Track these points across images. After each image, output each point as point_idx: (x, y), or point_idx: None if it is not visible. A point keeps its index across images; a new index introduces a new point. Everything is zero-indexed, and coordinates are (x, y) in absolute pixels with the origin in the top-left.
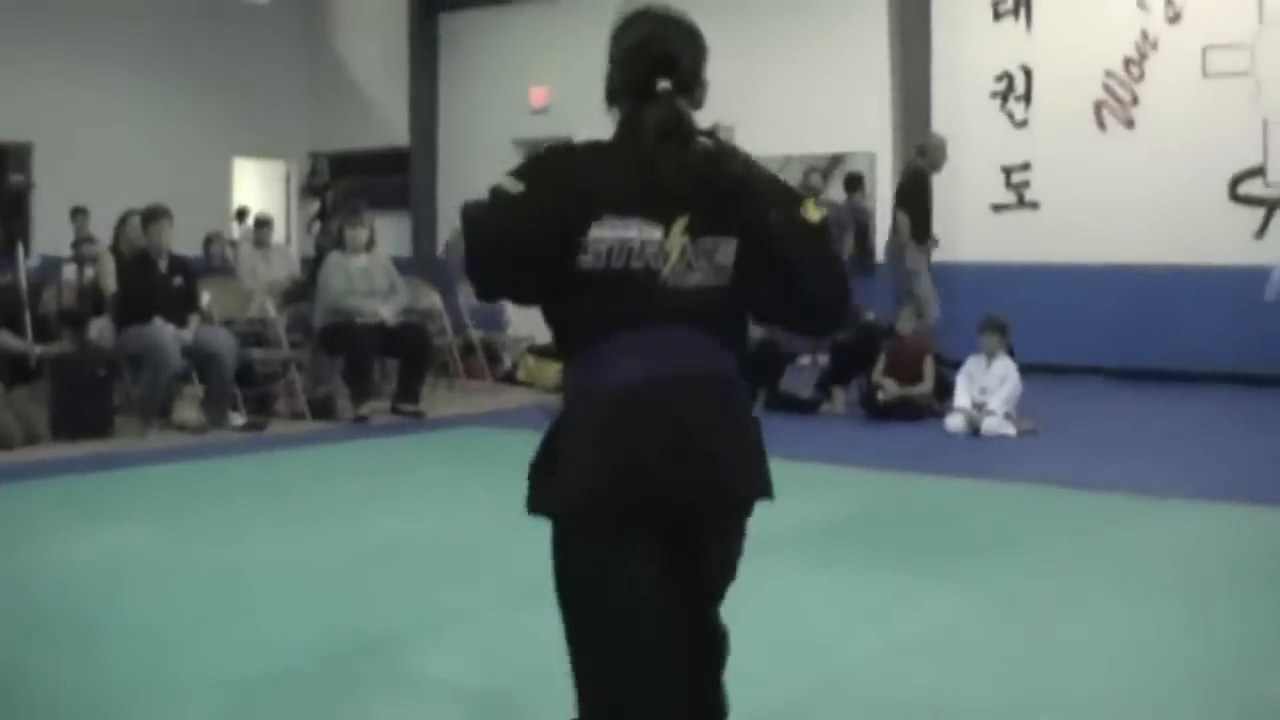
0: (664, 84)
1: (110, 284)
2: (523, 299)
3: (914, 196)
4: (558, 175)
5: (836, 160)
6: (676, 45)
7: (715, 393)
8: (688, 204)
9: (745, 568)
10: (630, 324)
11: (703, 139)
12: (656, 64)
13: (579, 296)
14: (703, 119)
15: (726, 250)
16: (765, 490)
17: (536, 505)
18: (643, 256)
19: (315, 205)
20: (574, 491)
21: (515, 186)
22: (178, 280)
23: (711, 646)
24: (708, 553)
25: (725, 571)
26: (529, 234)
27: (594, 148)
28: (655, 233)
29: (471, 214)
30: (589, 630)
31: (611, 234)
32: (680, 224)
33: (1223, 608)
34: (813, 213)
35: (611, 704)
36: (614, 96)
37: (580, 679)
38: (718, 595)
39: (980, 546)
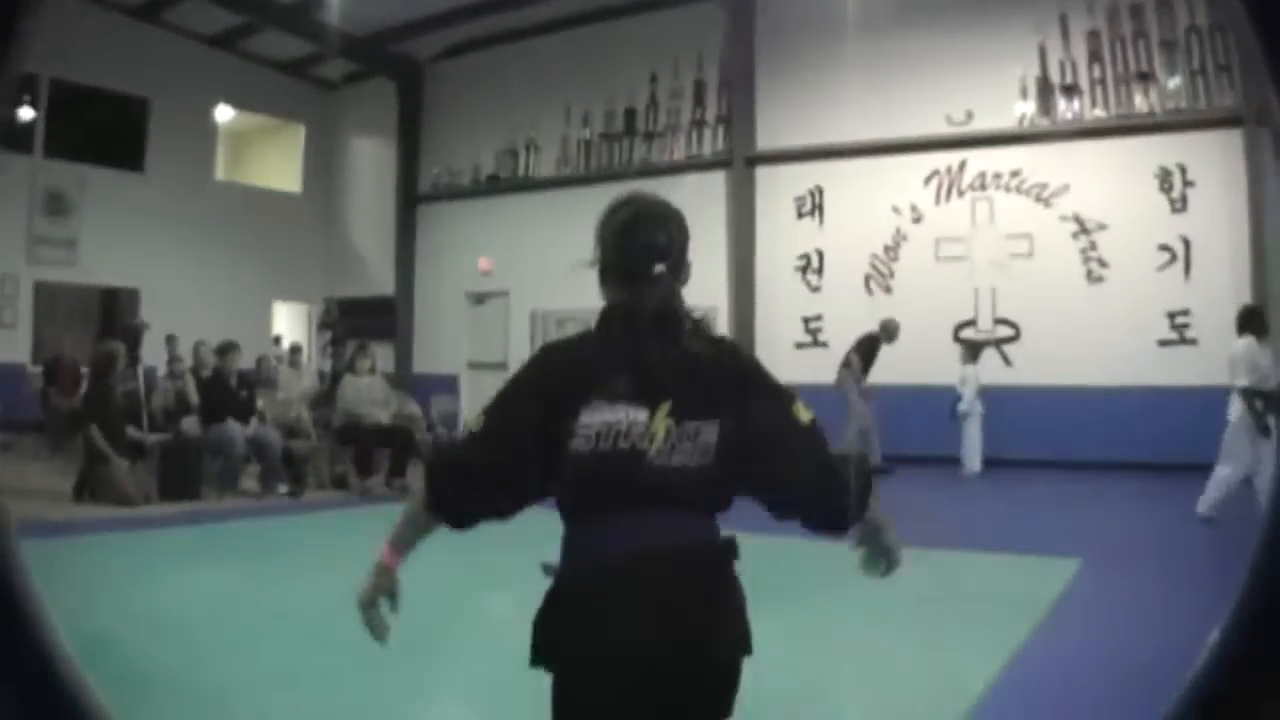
0: (659, 267)
1: (192, 394)
2: (498, 508)
3: (865, 350)
4: (546, 373)
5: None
6: (666, 229)
7: (698, 565)
8: (673, 388)
9: None
10: (619, 503)
11: (689, 325)
12: (649, 249)
13: (572, 477)
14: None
15: (709, 432)
16: (745, 649)
17: (538, 661)
18: (629, 437)
19: (328, 335)
20: (575, 669)
21: (478, 423)
22: (243, 393)
23: None
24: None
25: None
26: (514, 441)
27: (582, 339)
28: (642, 415)
29: (457, 450)
30: None
31: (600, 418)
32: (665, 408)
33: (952, 633)
34: (803, 414)
35: None
36: (605, 276)
37: None
38: None
39: (781, 589)
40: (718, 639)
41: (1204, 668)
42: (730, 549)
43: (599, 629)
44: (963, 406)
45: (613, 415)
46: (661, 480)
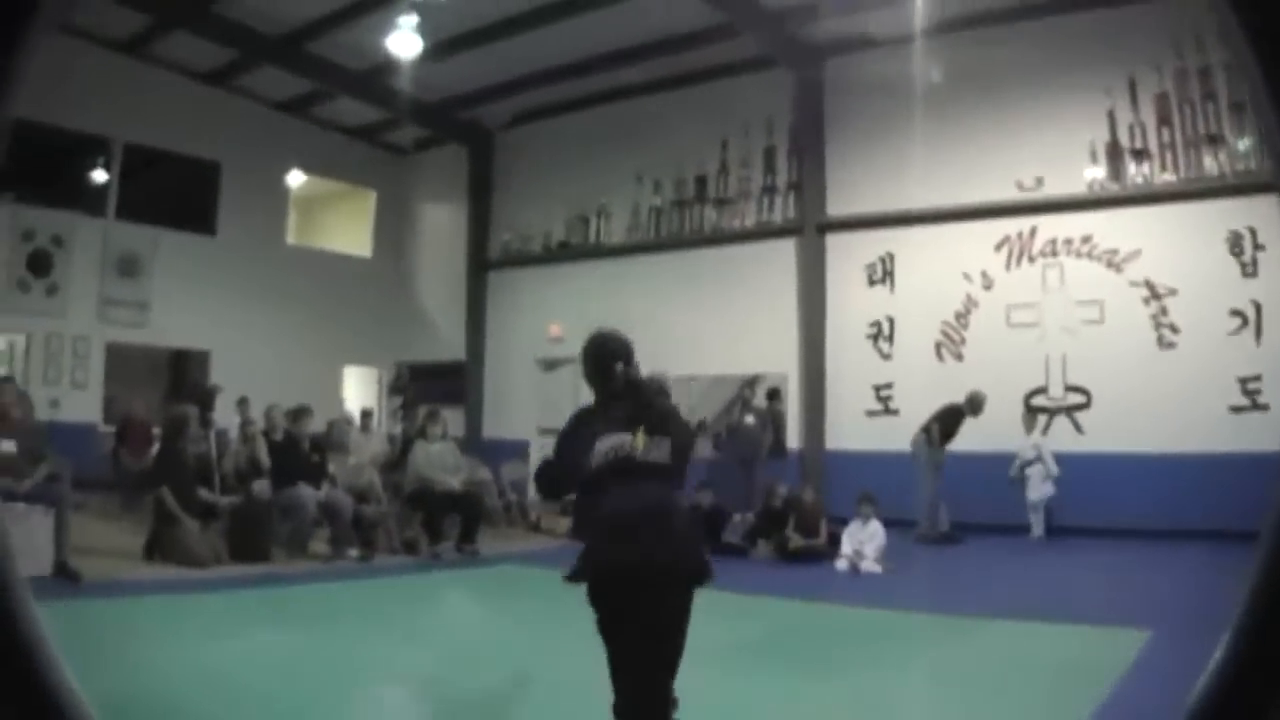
0: (620, 365)
1: (264, 457)
2: (569, 489)
3: (946, 421)
4: (581, 420)
5: (759, 378)
6: (621, 346)
7: (665, 515)
8: (643, 420)
9: (692, 669)
10: (619, 481)
11: (651, 383)
12: (615, 356)
13: (595, 472)
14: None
15: (663, 444)
16: (694, 572)
17: (571, 579)
18: (624, 448)
19: (399, 399)
20: (591, 572)
21: (567, 428)
22: (315, 457)
23: (666, 661)
24: (661, 604)
25: (674, 615)
26: (573, 452)
27: (594, 405)
28: (628, 437)
29: (549, 460)
30: (606, 645)
31: (609, 442)
32: (641, 429)
33: (1019, 705)
34: (693, 433)
35: (615, 689)
36: (589, 379)
37: (611, 675)
38: (667, 629)
39: (851, 655)
40: (659, 554)
41: (1210, 677)
42: (677, 506)
43: (604, 550)
44: (1012, 473)
45: (616, 439)
46: (643, 469)
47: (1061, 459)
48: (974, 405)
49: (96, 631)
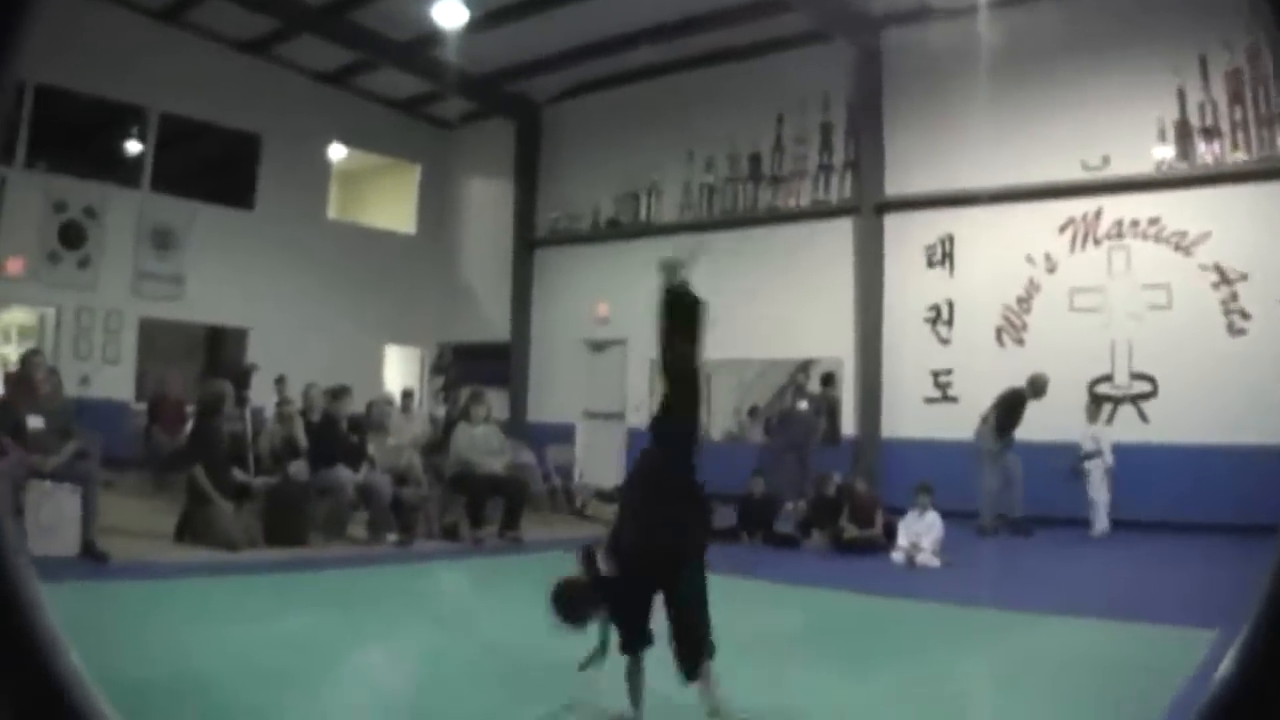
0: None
1: (301, 437)
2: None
3: (1006, 407)
4: None
5: (813, 362)
6: None
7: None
8: None
9: (738, 659)
10: None
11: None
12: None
13: None
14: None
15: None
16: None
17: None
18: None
19: (441, 380)
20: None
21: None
22: (353, 438)
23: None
24: (678, 576)
25: (687, 586)
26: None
27: None
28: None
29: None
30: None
31: None
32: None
33: (1085, 705)
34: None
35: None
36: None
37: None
38: (683, 596)
39: (903, 649)
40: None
41: (1228, 669)
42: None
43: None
44: (1087, 465)
45: None
46: None
47: (1126, 449)
48: (1036, 387)
49: (123, 614)
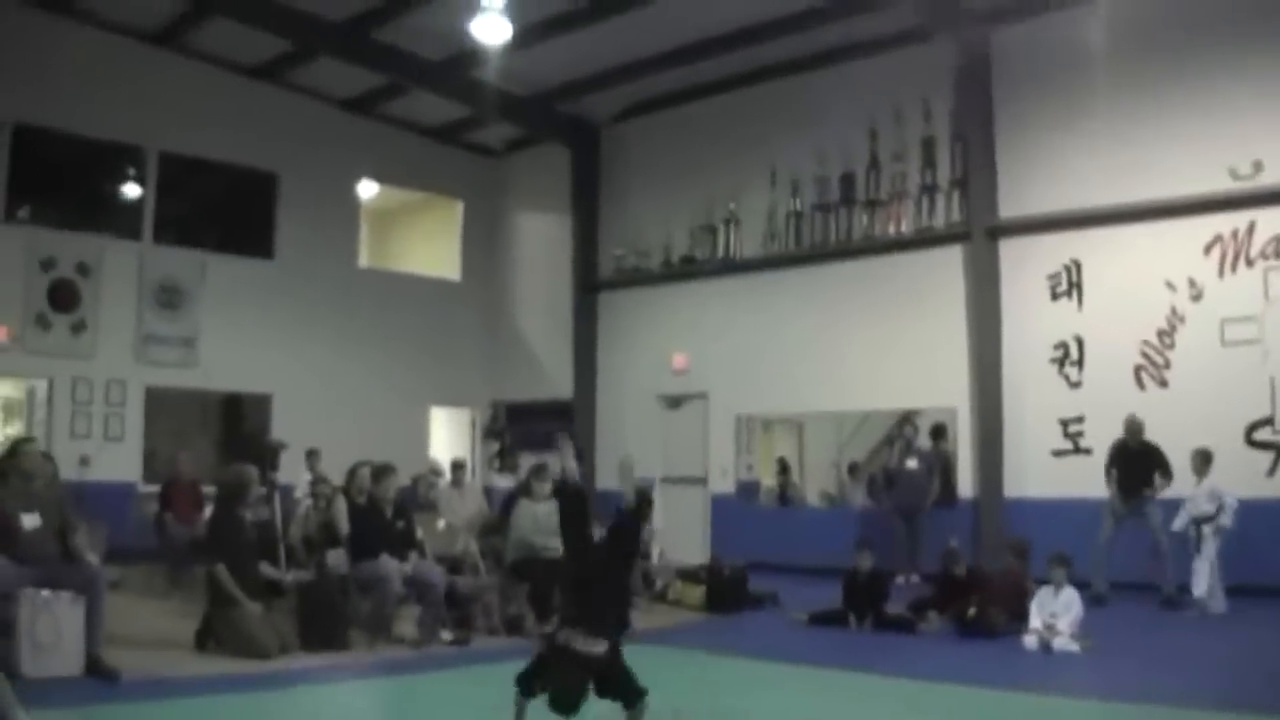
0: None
1: (343, 523)
2: None
3: (1118, 459)
4: None
5: (919, 413)
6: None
7: None
8: None
9: None
10: None
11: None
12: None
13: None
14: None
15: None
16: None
17: None
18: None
19: (495, 445)
20: None
21: None
22: (400, 524)
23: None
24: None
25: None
26: None
27: None
28: None
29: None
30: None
31: None
32: None
33: None
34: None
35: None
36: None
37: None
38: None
39: None
40: None
41: None
42: None
43: None
44: (1176, 526)
45: None
46: None
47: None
48: (1132, 431)
49: None
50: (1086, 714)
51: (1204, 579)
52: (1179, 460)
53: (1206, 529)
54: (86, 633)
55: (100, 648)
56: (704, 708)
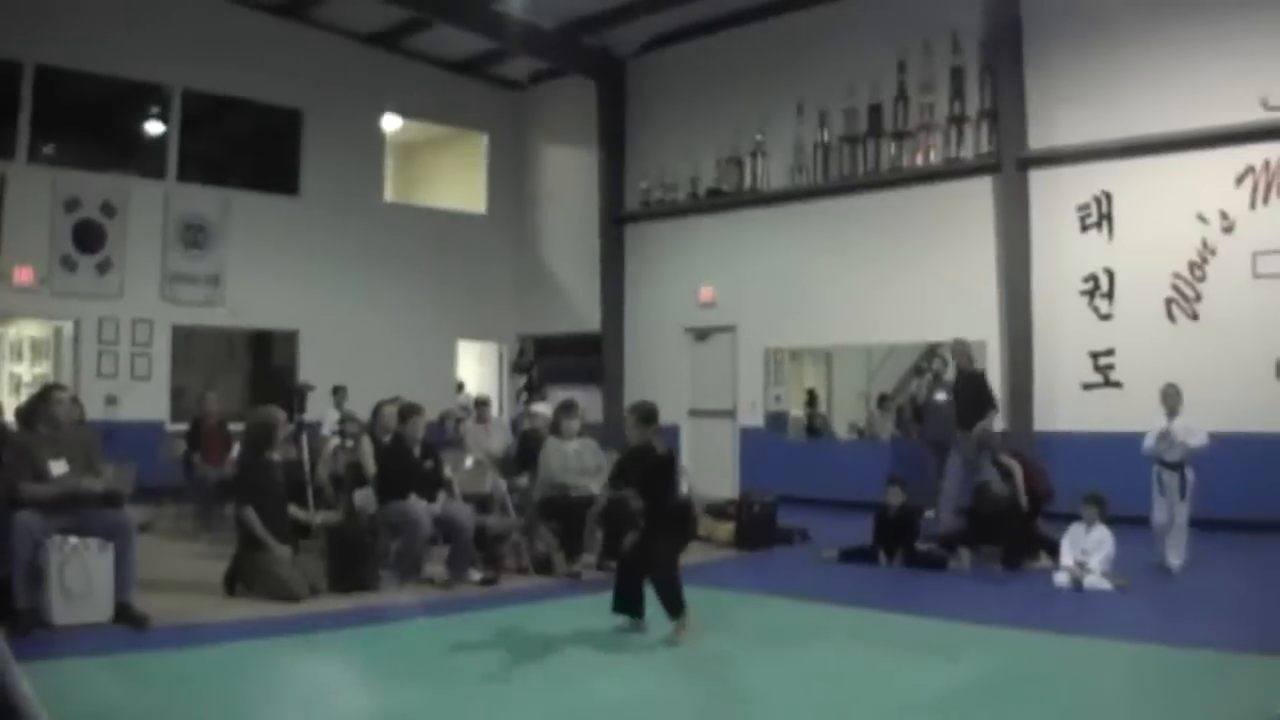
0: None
1: (369, 464)
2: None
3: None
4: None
5: (943, 345)
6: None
7: None
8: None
9: None
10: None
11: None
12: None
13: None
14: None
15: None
16: None
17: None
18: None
19: (523, 379)
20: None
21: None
22: (428, 464)
23: None
24: None
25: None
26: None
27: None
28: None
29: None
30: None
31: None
32: None
33: None
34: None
35: None
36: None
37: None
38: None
39: (1081, 714)
40: None
41: None
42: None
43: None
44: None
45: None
46: None
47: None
48: (956, 356)
49: (169, 693)
50: (1118, 655)
51: (1178, 548)
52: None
53: (1168, 479)
54: (116, 579)
55: (130, 594)
56: (724, 651)
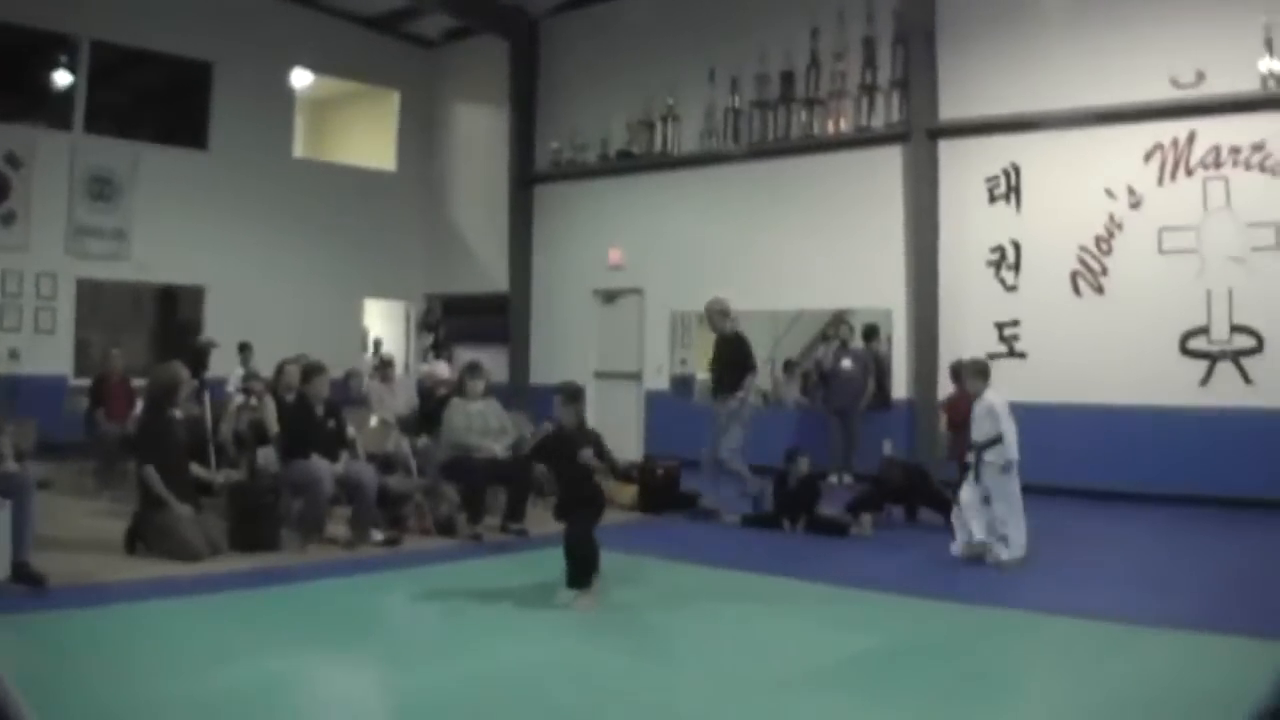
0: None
1: (272, 422)
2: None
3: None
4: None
5: (851, 312)
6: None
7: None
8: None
9: (805, 693)
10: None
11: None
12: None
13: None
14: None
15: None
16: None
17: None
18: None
19: (429, 338)
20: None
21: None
22: (331, 423)
23: None
24: None
25: None
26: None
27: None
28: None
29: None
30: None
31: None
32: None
33: None
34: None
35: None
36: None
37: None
38: None
39: (979, 681)
40: None
41: None
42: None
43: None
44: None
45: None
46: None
47: (1225, 415)
48: (710, 318)
49: (65, 654)
50: (1013, 623)
51: (1011, 525)
52: None
53: (989, 456)
54: (12, 538)
55: (28, 553)
56: (627, 619)
